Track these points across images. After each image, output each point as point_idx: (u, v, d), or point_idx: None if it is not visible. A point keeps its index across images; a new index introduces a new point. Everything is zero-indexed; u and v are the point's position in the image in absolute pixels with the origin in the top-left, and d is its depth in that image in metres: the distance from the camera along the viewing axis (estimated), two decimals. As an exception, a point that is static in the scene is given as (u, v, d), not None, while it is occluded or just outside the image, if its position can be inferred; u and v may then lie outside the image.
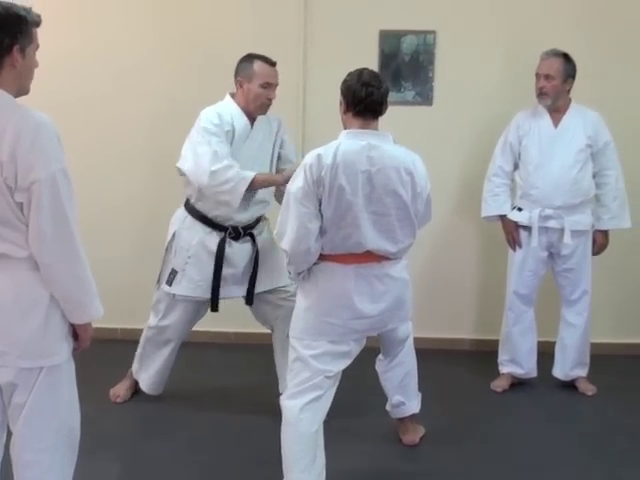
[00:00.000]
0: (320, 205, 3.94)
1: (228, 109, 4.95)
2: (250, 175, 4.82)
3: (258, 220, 5.17)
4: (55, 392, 3.26)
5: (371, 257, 4.05)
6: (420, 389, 4.89)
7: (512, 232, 5.62)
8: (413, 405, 4.83)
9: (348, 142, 3.99)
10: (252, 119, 5.02)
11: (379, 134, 4.10)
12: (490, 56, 6.12)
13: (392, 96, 5.97)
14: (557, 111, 5.48)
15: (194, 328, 5.32)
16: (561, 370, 5.73)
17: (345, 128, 4.12)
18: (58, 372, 3.25)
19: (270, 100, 5.00)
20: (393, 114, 5.90)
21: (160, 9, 6.25)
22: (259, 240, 5.15)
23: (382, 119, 5.80)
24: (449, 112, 6.21)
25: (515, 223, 5.59)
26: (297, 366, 4.09)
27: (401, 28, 6.14)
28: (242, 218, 5.04)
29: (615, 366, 6.08)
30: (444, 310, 6.46)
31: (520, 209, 5.57)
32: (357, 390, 5.30)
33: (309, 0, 6.16)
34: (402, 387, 4.73)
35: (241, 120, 4.97)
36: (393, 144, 4.11)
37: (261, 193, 5.02)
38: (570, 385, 5.73)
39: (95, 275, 3.19)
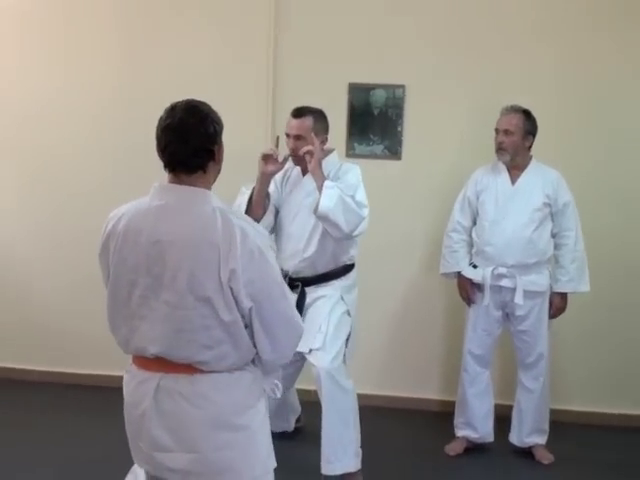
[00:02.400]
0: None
1: None
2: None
3: (324, 278, 5.14)
4: None
5: (171, 366, 3.05)
6: (374, 448, 5.00)
7: (466, 289, 5.62)
8: None
9: (142, 201, 3.11)
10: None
11: (190, 192, 3.04)
12: (458, 110, 6.18)
13: (361, 149, 6.22)
14: (516, 168, 5.50)
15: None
16: (517, 436, 5.66)
17: None
18: None
19: (292, 150, 5.02)
20: (362, 167, 6.05)
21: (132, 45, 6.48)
22: (312, 297, 5.12)
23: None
24: (418, 166, 6.27)
25: (470, 280, 5.61)
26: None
27: (370, 82, 6.22)
28: (288, 266, 5.12)
29: (577, 435, 5.99)
30: (411, 369, 6.43)
31: (475, 266, 5.57)
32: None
33: (278, 52, 6.26)
34: None
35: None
36: (206, 205, 3.02)
37: (303, 248, 5.08)
38: (527, 452, 5.64)
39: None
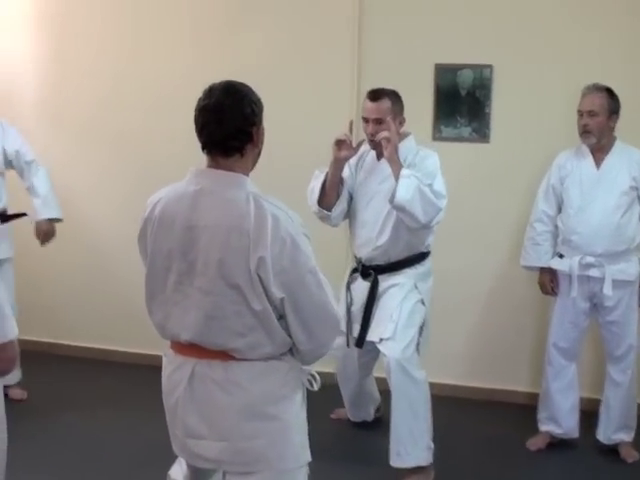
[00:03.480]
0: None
1: None
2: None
3: (397, 266, 5.09)
4: None
5: (204, 352, 3.06)
6: (453, 440, 5.13)
7: (546, 283, 5.47)
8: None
9: (178, 186, 3.10)
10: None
11: (226, 177, 3.02)
12: (550, 91, 5.95)
13: (448, 132, 6.08)
14: (600, 151, 5.29)
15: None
16: (604, 432, 5.45)
17: None
18: None
19: (371, 135, 4.94)
20: (448, 150, 6.00)
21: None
22: (385, 286, 5.08)
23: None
24: (507, 149, 6.10)
25: (554, 271, 5.44)
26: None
27: (457, 62, 6.08)
28: (361, 253, 5.14)
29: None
30: (497, 360, 6.29)
31: (561, 256, 5.39)
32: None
33: (363, 34, 6.19)
34: None
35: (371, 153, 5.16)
36: (249, 193, 2.98)
37: (376, 236, 5.03)
38: (613, 450, 5.44)
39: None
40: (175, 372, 3.15)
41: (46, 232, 5.97)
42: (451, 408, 6.11)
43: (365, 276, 5.06)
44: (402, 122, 5.00)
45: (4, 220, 5.82)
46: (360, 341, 5.06)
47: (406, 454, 4.90)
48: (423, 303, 5.07)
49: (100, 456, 5.25)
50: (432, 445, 4.97)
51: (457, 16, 6.08)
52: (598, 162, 5.31)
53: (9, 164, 5.84)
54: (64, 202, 6.45)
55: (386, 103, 4.89)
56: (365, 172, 5.15)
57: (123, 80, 6.70)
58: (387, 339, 4.89)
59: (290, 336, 3.05)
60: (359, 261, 5.16)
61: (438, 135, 6.16)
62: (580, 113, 5.28)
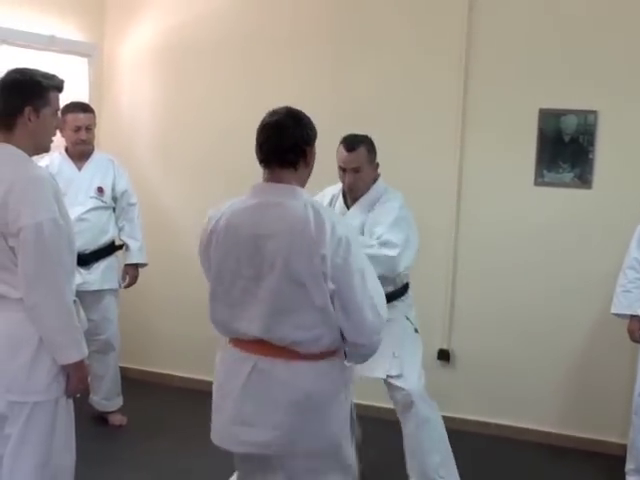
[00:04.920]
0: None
1: None
2: None
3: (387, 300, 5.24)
4: (43, 429, 3.71)
5: (276, 349, 3.42)
6: None
7: (635, 331, 5.44)
8: None
9: (240, 201, 3.50)
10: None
11: (284, 190, 3.43)
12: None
13: (550, 177, 6.17)
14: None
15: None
16: (692, 488, 5.40)
17: None
18: (48, 409, 3.71)
19: (350, 184, 5.03)
20: (550, 196, 6.10)
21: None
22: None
23: (536, 198, 6.08)
24: (609, 196, 6.10)
25: (643, 320, 5.41)
26: None
27: (561, 107, 6.14)
28: None
29: None
30: (592, 410, 6.28)
31: (652, 304, 5.39)
32: None
33: (469, 75, 6.32)
34: None
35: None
36: (301, 202, 3.38)
37: None
38: (703, 505, 5.38)
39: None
40: (235, 365, 3.52)
41: (135, 276, 6.41)
42: (542, 455, 6.20)
43: None
44: (376, 167, 5.10)
45: (111, 251, 6.23)
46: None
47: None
48: (417, 331, 5.21)
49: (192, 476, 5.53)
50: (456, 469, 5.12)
51: (562, 61, 6.15)
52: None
53: (113, 201, 6.25)
54: (176, 239, 6.85)
55: (362, 152, 4.96)
56: None
57: (235, 125, 6.96)
58: (397, 376, 5.01)
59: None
60: None
61: (540, 180, 6.22)
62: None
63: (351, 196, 5.15)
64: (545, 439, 6.37)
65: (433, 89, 6.46)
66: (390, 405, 5.24)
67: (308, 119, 3.55)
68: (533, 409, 6.42)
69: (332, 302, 3.35)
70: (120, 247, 6.32)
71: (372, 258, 4.65)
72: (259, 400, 3.45)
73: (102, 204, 6.14)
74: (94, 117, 6.14)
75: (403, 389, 5.00)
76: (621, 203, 6.08)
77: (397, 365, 5.01)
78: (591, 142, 6.12)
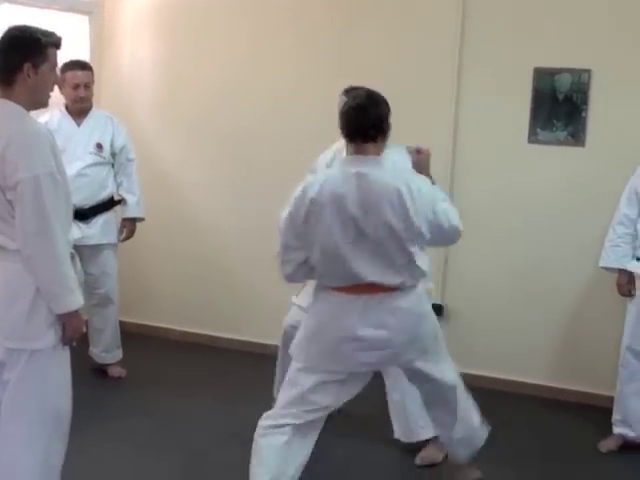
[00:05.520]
0: (305, 237, 4.10)
1: None
2: None
3: None
4: (41, 375, 3.81)
5: (379, 288, 4.12)
6: (527, 436, 5.72)
7: (623, 285, 5.54)
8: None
9: (338, 172, 4.13)
10: None
11: (373, 160, 4.09)
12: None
13: (544, 135, 6.24)
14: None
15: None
16: (679, 438, 5.52)
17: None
18: (45, 357, 3.81)
19: None
20: (544, 153, 6.18)
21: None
22: None
23: (530, 156, 6.27)
24: (602, 154, 6.19)
25: (631, 274, 5.51)
26: (288, 387, 4.30)
27: (555, 66, 6.22)
28: None
29: None
30: (582, 363, 6.41)
31: (639, 259, 5.48)
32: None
33: (465, 36, 6.39)
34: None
35: None
36: (389, 169, 4.11)
37: None
38: (689, 456, 5.48)
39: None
40: (346, 305, 4.18)
41: (132, 230, 6.52)
42: (531, 407, 6.35)
43: None
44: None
45: (110, 206, 6.34)
46: None
47: (421, 427, 5.23)
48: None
49: (188, 432, 5.60)
50: None
51: (556, 20, 6.23)
52: (683, 169, 5.37)
53: (112, 157, 6.35)
54: (174, 195, 6.97)
55: None
56: None
57: (233, 83, 7.12)
58: None
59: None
60: None
61: (534, 138, 6.31)
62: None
63: None
64: (537, 392, 6.50)
65: (429, 50, 6.54)
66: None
67: (384, 99, 4.17)
68: (525, 363, 6.57)
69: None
70: (119, 202, 6.42)
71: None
72: (376, 327, 4.16)
73: (101, 160, 6.23)
74: (92, 75, 6.22)
75: None
76: (613, 161, 6.15)
77: None
78: (584, 101, 6.20)
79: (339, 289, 4.18)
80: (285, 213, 4.18)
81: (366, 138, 4.09)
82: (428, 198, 4.12)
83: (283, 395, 4.32)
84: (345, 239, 4.03)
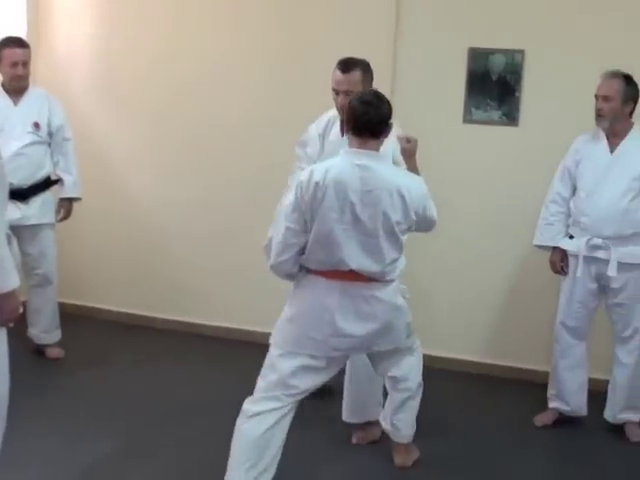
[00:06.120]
0: (307, 222, 4.23)
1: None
2: None
3: None
4: None
5: (358, 277, 4.28)
6: (464, 412, 5.74)
7: (556, 262, 5.65)
8: (406, 434, 4.98)
9: (342, 161, 4.24)
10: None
11: (375, 155, 4.26)
12: (579, 77, 6.07)
13: (478, 115, 6.29)
14: (616, 136, 5.42)
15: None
16: (611, 411, 5.62)
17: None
18: None
19: (342, 107, 4.93)
20: (478, 133, 6.24)
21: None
22: None
23: (465, 136, 6.28)
24: (536, 134, 6.28)
25: (565, 251, 5.61)
26: (267, 372, 4.37)
27: (490, 46, 6.28)
28: None
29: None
30: (519, 339, 6.51)
31: (572, 237, 5.55)
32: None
33: (400, 17, 6.42)
34: (401, 412, 4.89)
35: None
36: (388, 165, 4.38)
37: None
38: (620, 429, 5.59)
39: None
40: (324, 290, 4.32)
41: (69, 210, 6.45)
42: (468, 384, 6.46)
43: None
44: None
45: (47, 186, 6.27)
46: None
47: (361, 411, 5.32)
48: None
49: (126, 412, 5.58)
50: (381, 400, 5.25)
51: (490, 2, 6.30)
52: (613, 147, 5.44)
53: (49, 136, 6.27)
54: (107, 170, 6.94)
55: (357, 74, 4.95)
56: (331, 143, 5.20)
57: (170, 52, 7.06)
58: None
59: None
60: None
61: (469, 117, 6.38)
62: (596, 97, 5.42)
63: (343, 118, 5.07)
64: (473, 368, 6.61)
65: (364, 30, 6.52)
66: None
67: (387, 100, 4.34)
68: (461, 340, 6.67)
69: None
70: (56, 182, 6.34)
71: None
72: (350, 314, 4.31)
73: (38, 139, 6.15)
74: (30, 52, 6.13)
75: None
76: (546, 140, 6.24)
77: None
78: (518, 81, 6.29)
79: (320, 273, 4.34)
80: (290, 198, 4.32)
81: (373, 134, 4.26)
82: (420, 194, 4.35)
83: (263, 380, 4.38)
84: (340, 224, 4.18)
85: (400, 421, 4.89)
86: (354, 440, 5.30)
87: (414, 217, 4.30)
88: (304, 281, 4.41)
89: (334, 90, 5.02)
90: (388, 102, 4.32)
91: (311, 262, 4.33)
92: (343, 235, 4.19)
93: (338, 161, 4.27)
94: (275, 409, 4.29)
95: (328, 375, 4.48)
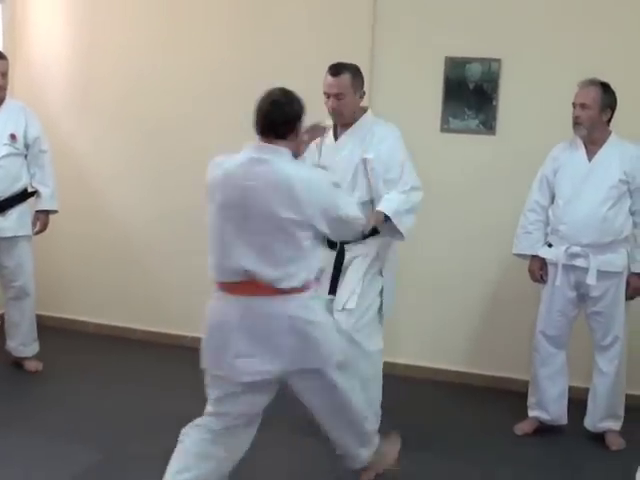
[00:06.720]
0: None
1: None
2: None
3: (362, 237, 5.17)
4: None
5: (258, 289, 3.95)
6: (445, 421, 5.69)
7: (535, 271, 5.61)
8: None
9: (240, 155, 4.03)
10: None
11: (275, 149, 4.01)
12: (556, 85, 6.04)
13: (455, 124, 6.25)
14: (593, 144, 5.40)
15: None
16: (591, 420, 5.59)
17: None
18: None
19: (333, 109, 5.12)
20: (455, 142, 6.20)
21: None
22: (350, 256, 5.18)
23: (442, 145, 6.24)
24: (513, 142, 6.25)
25: (543, 260, 5.57)
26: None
27: (466, 55, 6.25)
28: None
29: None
30: (500, 349, 6.46)
31: (550, 245, 5.52)
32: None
33: (376, 25, 6.38)
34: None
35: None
36: (287, 159, 4.03)
37: None
38: (600, 437, 5.55)
39: None
40: (226, 307, 4.04)
41: (45, 222, 6.37)
42: (450, 393, 6.41)
43: (331, 247, 5.16)
44: (362, 96, 5.20)
45: (24, 198, 6.18)
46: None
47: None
48: (381, 273, 5.27)
49: (105, 425, 5.51)
50: (380, 412, 5.18)
51: (467, 11, 6.26)
52: (590, 155, 5.42)
53: (26, 148, 6.19)
54: (89, 185, 6.84)
55: (346, 77, 5.06)
56: (327, 148, 5.26)
57: (151, 69, 7.00)
58: (341, 310, 5.09)
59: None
60: (324, 234, 5.35)
61: (446, 126, 6.34)
62: (574, 105, 5.40)
63: (335, 121, 5.22)
64: (453, 378, 6.57)
65: (341, 38, 6.48)
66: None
67: (298, 98, 4.11)
68: (440, 349, 6.63)
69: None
70: (33, 194, 6.26)
71: (411, 211, 5.12)
72: (253, 334, 3.99)
73: (15, 151, 6.08)
74: (8, 64, 6.06)
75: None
76: (523, 148, 6.20)
77: (354, 300, 5.11)
78: (495, 89, 6.26)
79: (223, 286, 4.06)
80: None
81: (278, 134, 4.04)
82: (323, 189, 4.05)
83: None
84: (229, 221, 3.97)
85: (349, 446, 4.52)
86: None
87: (310, 213, 3.92)
88: (215, 294, 4.12)
89: (325, 94, 5.14)
90: (299, 101, 4.10)
91: (211, 269, 4.08)
92: (233, 234, 3.96)
93: (238, 155, 4.07)
94: (211, 430, 4.14)
95: (266, 396, 4.20)
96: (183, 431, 4.18)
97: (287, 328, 3.98)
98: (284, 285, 3.98)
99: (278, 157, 4.00)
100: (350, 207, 4.22)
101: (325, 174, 4.29)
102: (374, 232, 5.12)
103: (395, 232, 5.08)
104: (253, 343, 3.98)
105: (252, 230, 3.93)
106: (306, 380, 4.16)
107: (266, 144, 4.03)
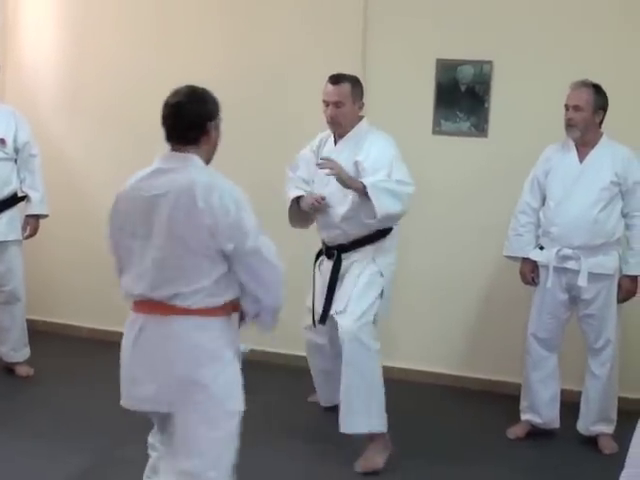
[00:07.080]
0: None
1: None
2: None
3: (358, 244, 5.21)
4: None
5: (159, 307, 3.45)
6: (438, 425, 5.63)
7: (527, 273, 5.56)
8: None
9: (149, 167, 3.58)
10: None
11: (183, 157, 3.48)
12: (548, 87, 6.00)
13: (447, 126, 6.21)
14: (585, 145, 5.36)
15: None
16: (584, 424, 5.53)
17: None
18: None
19: (331, 118, 5.15)
20: (447, 144, 6.15)
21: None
22: (347, 264, 5.21)
23: (434, 147, 6.16)
24: (504, 144, 6.21)
25: (534, 263, 5.51)
26: None
27: (458, 57, 6.22)
28: (324, 235, 5.35)
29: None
30: (494, 352, 6.40)
31: (542, 247, 5.47)
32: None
33: (368, 28, 6.36)
34: None
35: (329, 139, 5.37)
36: (195, 167, 3.46)
37: (334, 217, 5.18)
38: (593, 441, 5.50)
39: None
40: (128, 326, 3.57)
41: (35, 227, 6.33)
42: (439, 396, 6.36)
43: (329, 256, 5.23)
44: (361, 106, 5.22)
45: (14, 202, 6.14)
46: (323, 317, 5.23)
47: (358, 422, 5.02)
48: (381, 275, 5.20)
49: (96, 430, 5.47)
50: (385, 415, 5.08)
51: (459, 13, 6.23)
52: (582, 156, 5.38)
53: (15, 152, 6.15)
54: (80, 190, 6.77)
55: (346, 87, 5.11)
56: (325, 154, 5.24)
57: (141, 73, 6.96)
58: (341, 311, 5.07)
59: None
60: (323, 242, 5.38)
61: (438, 129, 6.31)
62: (566, 107, 5.35)
63: (333, 131, 5.25)
64: (445, 381, 6.52)
65: (333, 41, 6.46)
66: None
67: (210, 96, 3.62)
68: (432, 352, 6.57)
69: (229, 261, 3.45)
70: (23, 198, 6.22)
71: (393, 194, 4.91)
72: (146, 357, 3.50)
73: (4, 155, 6.04)
74: None
75: (341, 326, 5.04)
76: (515, 151, 6.16)
77: (345, 301, 5.09)
78: (487, 92, 6.23)
79: (132, 304, 3.60)
80: None
81: (184, 139, 3.52)
82: (233, 199, 3.42)
83: None
84: (133, 238, 3.49)
85: None
86: (358, 469, 5.05)
87: (217, 230, 3.35)
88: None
89: (324, 102, 5.16)
90: (207, 99, 3.59)
91: (122, 289, 3.63)
92: (137, 252, 3.47)
93: (142, 170, 3.61)
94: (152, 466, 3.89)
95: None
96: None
97: (176, 351, 3.44)
98: (182, 305, 3.43)
99: (187, 164, 3.48)
100: (264, 242, 3.51)
101: (235, 188, 3.49)
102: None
103: (371, 210, 4.94)
104: (144, 367, 3.52)
105: (153, 247, 3.43)
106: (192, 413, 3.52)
107: (175, 152, 3.54)
